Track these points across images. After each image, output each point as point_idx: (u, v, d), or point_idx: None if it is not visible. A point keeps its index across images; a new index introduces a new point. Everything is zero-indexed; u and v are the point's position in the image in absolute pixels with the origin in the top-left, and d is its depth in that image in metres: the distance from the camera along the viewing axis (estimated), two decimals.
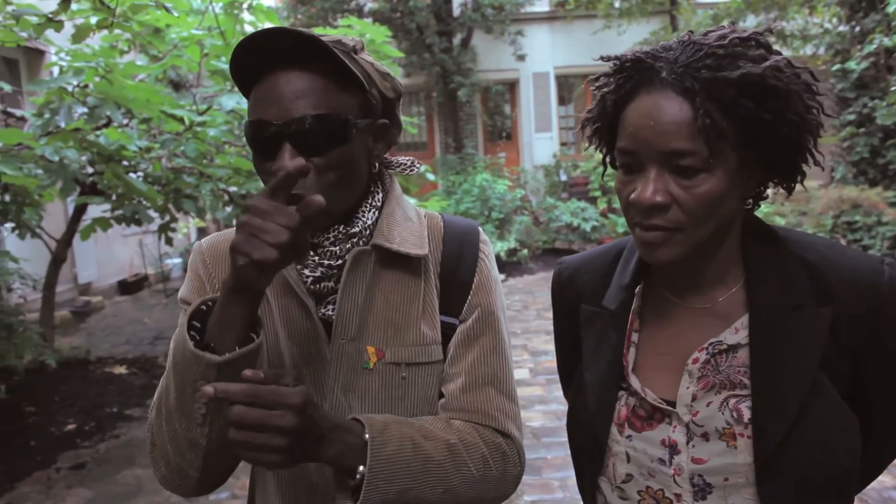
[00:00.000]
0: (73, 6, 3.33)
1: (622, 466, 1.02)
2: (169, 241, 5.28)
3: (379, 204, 1.13)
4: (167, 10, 3.63)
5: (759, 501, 0.92)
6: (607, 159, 1.07)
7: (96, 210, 5.05)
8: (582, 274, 1.15)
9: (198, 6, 4.38)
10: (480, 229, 1.20)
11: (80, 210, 5.30)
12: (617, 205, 12.55)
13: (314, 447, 0.90)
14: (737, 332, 0.97)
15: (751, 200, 1.00)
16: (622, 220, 12.13)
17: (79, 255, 8.23)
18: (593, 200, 12.55)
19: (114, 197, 4.67)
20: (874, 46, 6.25)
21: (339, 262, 1.07)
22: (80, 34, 3.33)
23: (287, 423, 0.85)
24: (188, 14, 4.28)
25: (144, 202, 4.67)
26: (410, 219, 1.14)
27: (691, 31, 0.95)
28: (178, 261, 10.76)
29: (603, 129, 1.01)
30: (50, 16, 3.13)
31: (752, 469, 0.91)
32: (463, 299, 1.13)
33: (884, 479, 3.41)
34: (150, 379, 5.72)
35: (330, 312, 1.08)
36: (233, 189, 5.30)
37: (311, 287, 1.08)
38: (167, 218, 5.10)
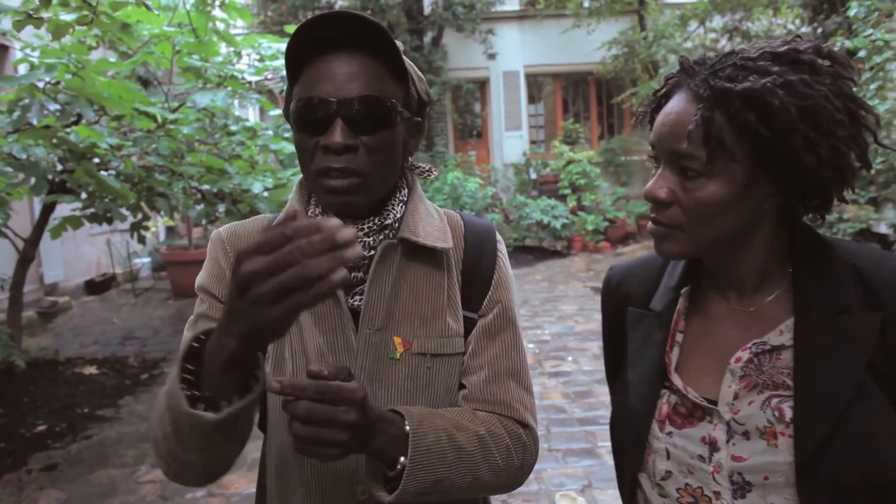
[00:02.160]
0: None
1: (662, 463, 1.03)
2: (142, 240, 5.22)
3: (405, 199, 1.17)
4: (147, 7, 3.60)
5: (798, 502, 0.91)
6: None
7: (64, 209, 4.97)
8: (630, 279, 1.18)
9: (166, 2, 4.33)
10: (495, 229, 1.25)
11: (49, 208, 5.22)
12: (586, 202, 12.71)
13: (364, 439, 0.93)
14: (781, 335, 0.98)
15: (788, 210, 1.00)
16: (591, 217, 12.25)
17: (45, 255, 8.09)
18: (563, 198, 12.66)
19: (84, 195, 4.61)
20: (836, 48, 6.42)
21: (371, 252, 1.10)
22: (59, 31, 3.28)
23: (351, 418, 0.88)
24: (158, 10, 4.24)
25: (116, 200, 4.61)
26: (432, 215, 1.18)
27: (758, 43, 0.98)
28: (146, 260, 10.62)
29: (651, 122, 1.04)
30: (31, 12, 3.08)
31: (793, 468, 0.91)
32: (483, 295, 1.17)
33: None
34: (121, 379, 5.65)
35: (357, 302, 1.11)
36: (205, 187, 5.26)
37: None
38: (139, 216, 5.04)
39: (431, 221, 1.16)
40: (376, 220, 1.11)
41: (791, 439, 0.92)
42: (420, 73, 1.15)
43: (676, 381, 1.03)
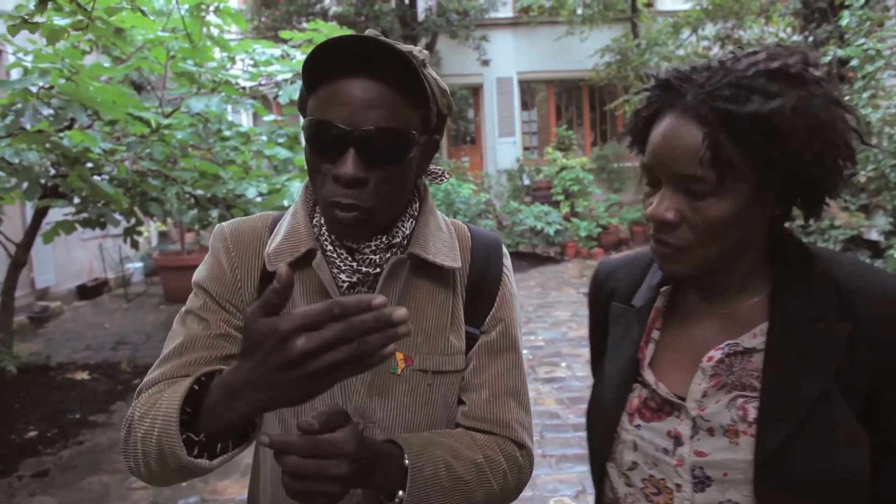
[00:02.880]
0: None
1: (629, 454, 1.07)
2: (135, 245, 5.20)
3: (416, 213, 1.16)
4: (143, 13, 3.59)
5: (754, 498, 0.94)
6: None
7: (56, 213, 4.95)
8: (617, 275, 1.20)
9: (160, 6, 4.33)
10: (502, 243, 1.23)
11: (42, 213, 5.19)
12: (580, 209, 12.74)
13: (360, 479, 0.92)
14: (755, 338, 1.00)
15: (777, 216, 1.02)
16: (584, 223, 12.28)
17: (36, 260, 8.04)
18: (556, 204, 12.69)
19: (76, 200, 4.59)
20: (829, 57, 6.45)
21: (377, 269, 1.09)
22: (54, 36, 3.27)
23: (342, 471, 0.86)
24: (152, 15, 4.23)
25: (110, 205, 4.59)
26: (441, 229, 1.16)
27: (733, 51, 0.98)
28: (138, 265, 10.59)
29: (636, 142, 1.05)
30: (26, 17, 3.07)
31: (751, 467, 0.94)
32: (486, 311, 1.16)
33: None
34: (113, 385, 5.62)
35: None
36: (199, 192, 5.25)
37: (346, 292, 1.09)
38: (133, 221, 5.03)
39: (441, 237, 1.15)
40: (384, 239, 1.10)
41: (752, 439, 0.95)
42: (444, 86, 1.11)
43: (649, 376, 1.06)
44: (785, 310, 0.98)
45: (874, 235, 7.51)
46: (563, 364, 6.03)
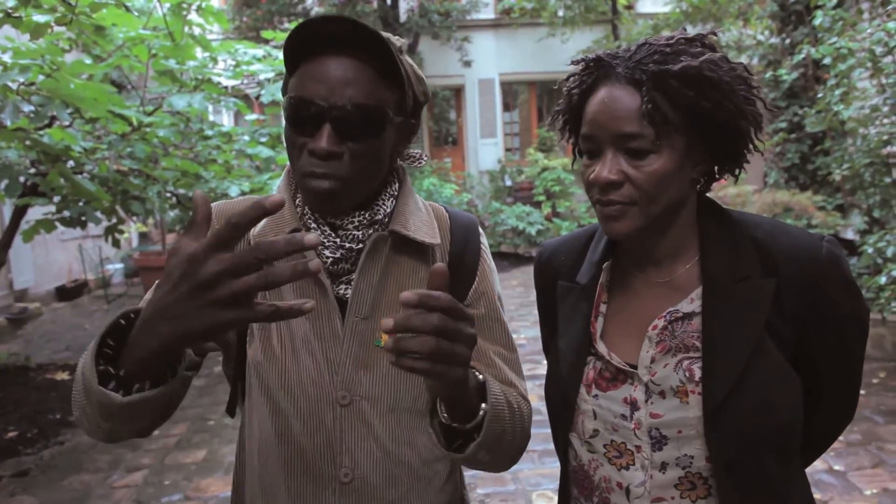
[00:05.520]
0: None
1: (590, 423, 1.14)
2: (116, 244, 5.17)
3: (395, 193, 1.20)
4: (128, 9, 3.58)
5: (707, 451, 1.03)
6: (576, 149, 1.19)
7: (36, 213, 4.90)
8: (559, 255, 1.28)
9: (141, 5, 4.31)
10: (478, 222, 1.29)
11: (21, 212, 5.15)
12: (561, 209, 12.82)
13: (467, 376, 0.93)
14: (692, 302, 1.08)
15: (703, 182, 1.12)
16: (566, 223, 12.36)
17: (15, 261, 7.96)
18: (538, 205, 12.75)
19: (56, 198, 4.55)
20: (802, 56, 6.55)
21: (360, 245, 1.13)
22: (37, 31, 3.25)
23: (472, 331, 0.87)
24: (135, 12, 4.21)
25: (91, 203, 4.55)
26: (420, 209, 1.21)
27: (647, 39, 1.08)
28: (118, 266, 10.51)
29: (570, 120, 1.13)
30: (9, 11, 3.05)
31: (702, 422, 1.03)
32: (468, 286, 1.21)
33: (816, 463, 3.60)
34: None
35: (343, 291, 1.14)
36: (180, 191, 5.23)
37: (330, 268, 1.13)
38: (114, 220, 5.00)
39: (420, 216, 1.19)
40: (366, 215, 1.14)
41: (700, 396, 1.03)
42: (420, 74, 1.16)
43: (601, 348, 1.13)
44: (715, 273, 1.07)
45: (850, 234, 7.65)
46: (545, 362, 6.07)
